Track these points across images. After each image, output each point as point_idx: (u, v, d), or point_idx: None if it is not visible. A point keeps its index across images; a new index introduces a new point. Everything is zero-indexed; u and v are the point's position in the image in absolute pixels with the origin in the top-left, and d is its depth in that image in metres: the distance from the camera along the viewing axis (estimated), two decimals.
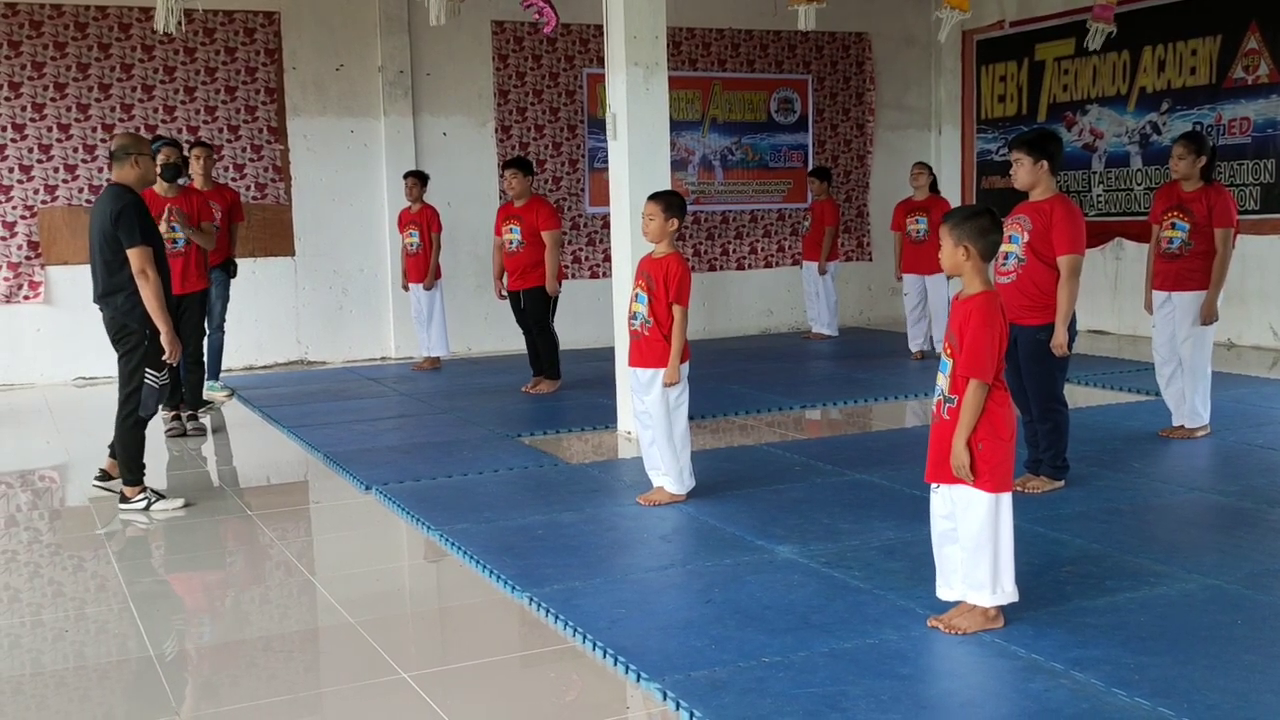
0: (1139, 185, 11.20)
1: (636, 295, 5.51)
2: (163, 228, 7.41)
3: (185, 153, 8.38)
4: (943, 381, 3.84)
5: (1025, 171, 5.55)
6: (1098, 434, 6.79)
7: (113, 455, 6.12)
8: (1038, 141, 5.57)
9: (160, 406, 6.13)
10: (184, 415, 7.82)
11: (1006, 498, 3.81)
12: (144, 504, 5.90)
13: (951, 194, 12.21)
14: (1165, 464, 6.22)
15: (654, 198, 5.53)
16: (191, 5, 7.02)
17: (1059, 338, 5.47)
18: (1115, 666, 3.54)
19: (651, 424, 5.51)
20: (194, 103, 10.41)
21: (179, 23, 7.01)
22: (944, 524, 3.89)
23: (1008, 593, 3.84)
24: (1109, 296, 11.41)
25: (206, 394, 8.53)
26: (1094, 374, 8.85)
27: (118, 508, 5.94)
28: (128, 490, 5.93)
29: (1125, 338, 11.06)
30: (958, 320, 3.83)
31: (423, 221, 9.94)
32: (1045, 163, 5.51)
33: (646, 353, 5.49)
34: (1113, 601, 4.10)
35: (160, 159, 7.56)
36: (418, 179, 10.00)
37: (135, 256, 5.64)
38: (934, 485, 3.91)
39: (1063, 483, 5.65)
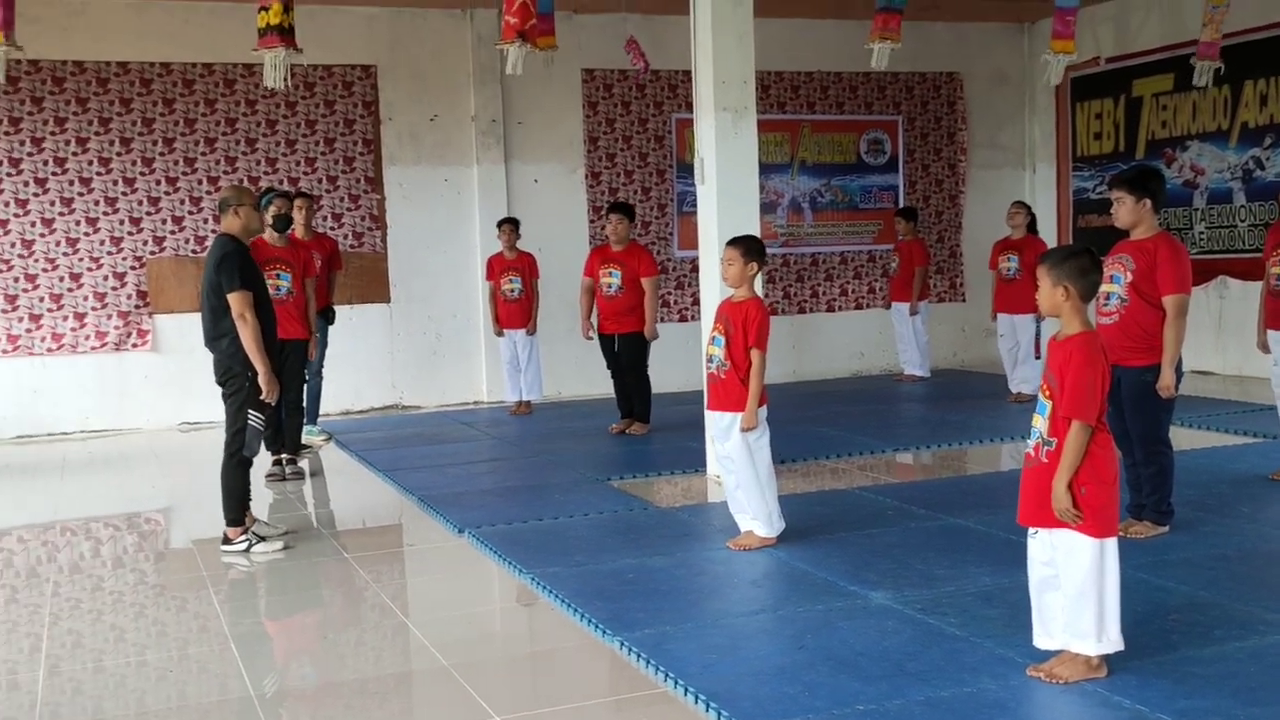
0: (1243, 222, 10.92)
1: (714, 339, 5.51)
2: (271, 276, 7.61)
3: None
4: (1041, 424, 3.77)
5: (1127, 210, 5.43)
6: (1203, 477, 6.60)
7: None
8: (1139, 179, 5.46)
9: (263, 448, 6.27)
10: (284, 460, 7.98)
11: (1112, 543, 3.72)
12: (245, 546, 6.02)
13: (1047, 233, 12.01)
14: (1275, 508, 6.01)
15: (733, 243, 5.54)
16: (297, 61, 7.22)
17: (1166, 379, 5.33)
18: (1224, 718, 3.42)
19: (735, 468, 5.49)
20: (294, 154, 10.70)
21: (285, 78, 7.22)
22: (1044, 570, 3.80)
23: (1113, 640, 3.73)
24: (1213, 336, 11.10)
25: (305, 439, 8.69)
26: (1199, 416, 8.61)
27: (220, 549, 6.07)
28: (230, 531, 6.06)
29: (1231, 378, 10.75)
30: (1057, 361, 3.76)
31: (523, 268, 10.03)
32: (1148, 201, 5.39)
33: (724, 397, 5.47)
34: (1221, 651, 3.97)
35: (272, 211, 7.81)
36: (513, 226, 10.13)
37: (234, 301, 5.86)
38: (1032, 530, 3.82)
39: (1167, 528, 5.50)
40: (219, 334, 5.95)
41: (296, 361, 8.03)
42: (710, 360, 5.53)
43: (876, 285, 12.60)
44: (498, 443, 8.96)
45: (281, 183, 10.56)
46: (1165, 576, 4.83)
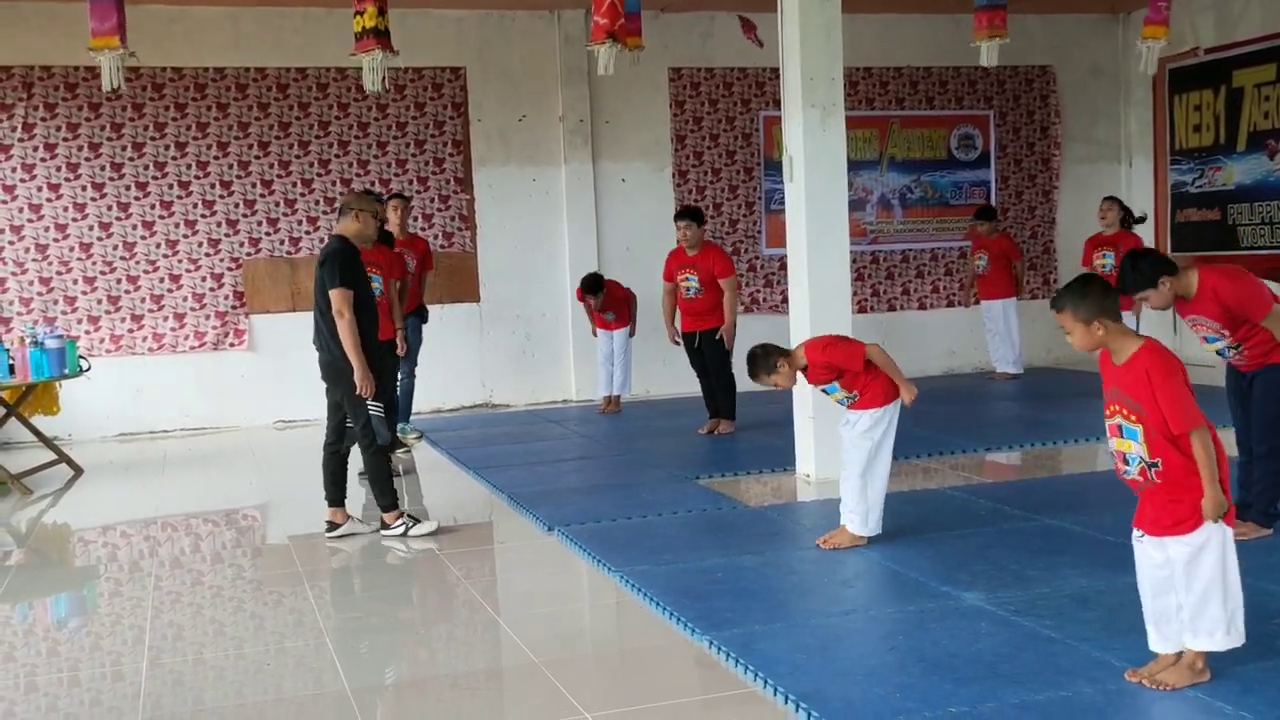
0: None
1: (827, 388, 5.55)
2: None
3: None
4: (1138, 449, 3.66)
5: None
6: None
7: (332, 503, 6.40)
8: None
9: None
10: None
11: (1231, 532, 3.67)
12: (403, 529, 6.26)
13: (1145, 229, 11.74)
14: None
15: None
16: (394, 64, 7.33)
17: None
18: None
19: (848, 458, 5.51)
20: (385, 156, 10.87)
21: (382, 79, 7.32)
22: (1159, 572, 3.70)
23: (1241, 633, 3.66)
24: None
25: (399, 437, 8.81)
26: None
27: (380, 534, 6.33)
28: (387, 517, 6.31)
29: None
30: (1131, 386, 3.66)
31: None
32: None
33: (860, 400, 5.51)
34: None
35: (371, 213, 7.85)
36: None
37: (335, 298, 6.02)
38: (1138, 532, 3.74)
39: (1270, 531, 5.34)
40: (329, 334, 6.12)
41: (388, 361, 8.12)
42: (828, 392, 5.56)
43: (965, 281, 12.41)
44: (586, 441, 9.01)
45: (373, 184, 10.74)
46: (1268, 579, 4.69)
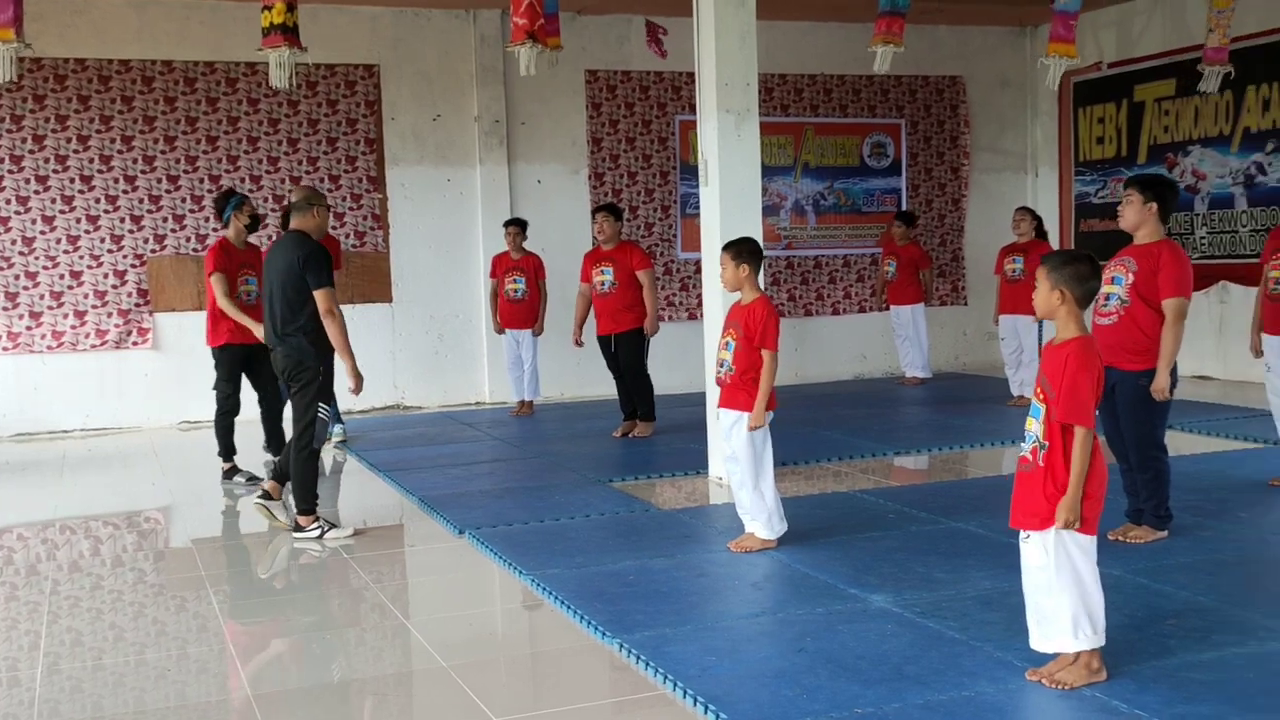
0: (1244, 227, 10.92)
1: (726, 343, 5.52)
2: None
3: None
4: (1036, 427, 3.77)
5: (1134, 210, 5.44)
6: (1202, 483, 6.59)
7: (274, 478, 6.46)
8: (1152, 182, 5.48)
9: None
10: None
11: (1086, 540, 3.73)
12: (318, 532, 6.21)
13: (1050, 237, 12.01)
14: (1275, 514, 6.02)
15: (725, 247, 5.58)
16: (302, 60, 7.22)
17: (1160, 382, 5.33)
18: None
19: (738, 468, 5.50)
20: (296, 153, 10.71)
21: (290, 76, 7.22)
22: (1038, 574, 3.79)
23: (1089, 637, 3.73)
24: (1214, 341, 11.11)
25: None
26: (1199, 421, 8.61)
27: (292, 536, 6.26)
28: (302, 520, 6.24)
29: (1231, 383, 10.75)
30: (1052, 365, 3.76)
31: (529, 269, 10.06)
32: (1155, 205, 5.40)
33: (734, 397, 5.49)
34: (1220, 657, 3.96)
35: (246, 213, 7.78)
36: (519, 227, 10.13)
37: (324, 297, 6.06)
38: (1024, 533, 3.82)
39: (1165, 533, 5.49)
40: (295, 329, 6.11)
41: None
42: (720, 365, 5.54)
43: (877, 286, 12.59)
44: (499, 443, 8.96)
45: (284, 181, 10.59)
46: (1163, 581, 4.83)
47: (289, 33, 6.96)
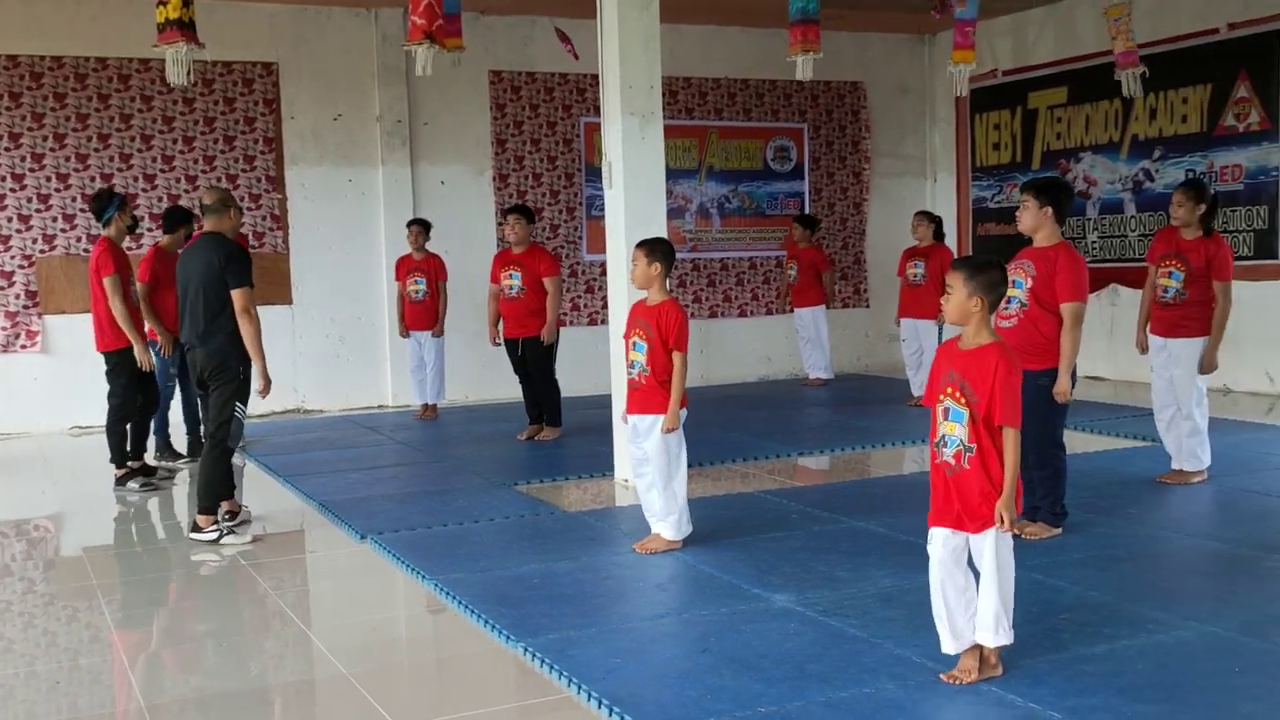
0: (1133, 232, 11.26)
1: (634, 344, 5.51)
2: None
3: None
4: (960, 431, 3.79)
5: (1030, 215, 5.59)
6: (1095, 480, 6.77)
7: (226, 498, 6.34)
8: (1046, 187, 5.63)
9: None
10: (133, 468, 7.71)
11: (1009, 536, 3.82)
12: (216, 535, 6.15)
13: (948, 240, 12.25)
14: (1162, 510, 6.21)
15: (639, 244, 5.59)
16: (199, 56, 7.06)
17: (1063, 385, 5.47)
18: (1114, 715, 3.51)
19: (649, 470, 5.51)
20: (192, 152, 10.48)
21: (187, 73, 7.05)
22: (955, 572, 3.85)
23: (1009, 632, 3.82)
24: (1105, 342, 11.42)
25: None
26: (1091, 420, 8.85)
27: (188, 536, 6.19)
28: (202, 519, 6.19)
29: (1122, 383, 11.07)
30: (973, 370, 3.80)
31: (430, 270, 9.99)
32: (1050, 209, 5.54)
33: (645, 400, 5.49)
34: (1111, 649, 4.07)
35: (128, 214, 7.67)
36: (422, 227, 10.07)
37: (242, 296, 6.12)
38: (947, 532, 3.85)
39: (1060, 530, 5.64)
40: (216, 329, 6.15)
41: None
42: (632, 366, 5.53)
43: (782, 289, 12.72)
44: (402, 447, 8.86)
45: (179, 180, 10.36)
46: (1058, 577, 4.95)
47: (185, 28, 6.80)
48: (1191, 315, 6.55)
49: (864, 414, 9.77)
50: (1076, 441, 8.11)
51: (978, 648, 3.83)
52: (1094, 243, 11.59)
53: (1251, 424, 8.66)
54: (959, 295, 3.86)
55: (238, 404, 6.20)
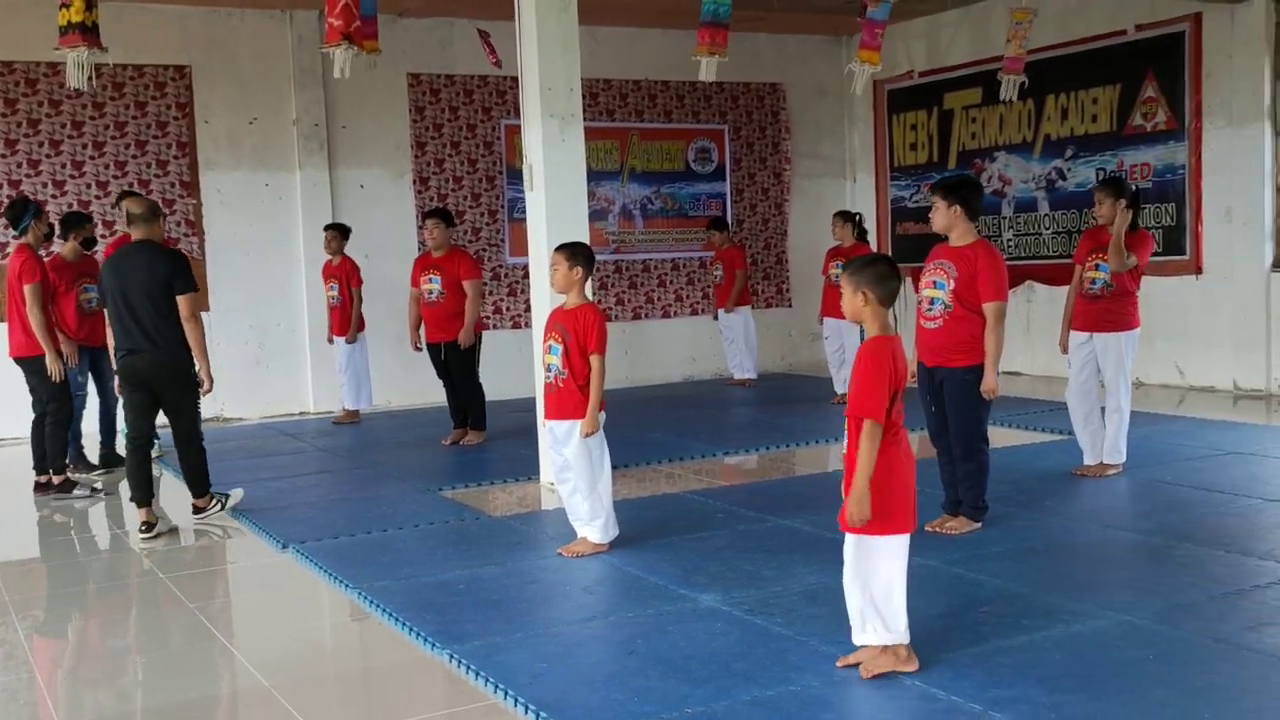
0: (1047, 230, 11.48)
1: (550, 347, 5.49)
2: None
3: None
4: (851, 425, 3.89)
5: (941, 215, 5.68)
6: (1013, 474, 6.89)
7: (142, 504, 6.41)
8: (954, 186, 5.70)
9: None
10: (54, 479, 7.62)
11: (882, 541, 3.83)
12: (219, 507, 6.76)
13: (868, 238, 12.39)
14: (1079, 502, 6.33)
15: (559, 248, 5.56)
16: (102, 60, 6.92)
17: (990, 383, 5.56)
18: (1032, 706, 3.57)
19: (572, 476, 5.49)
20: (103, 157, 10.25)
21: (89, 78, 6.92)
22: (849, 568, 3.92)
23: (899, 633, 3.85)
24: (1022, 338, 11.63)
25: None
26: (1008, 415, 9.00)
27: (193, 519, 6.68)
28: (200, 502, 6.71)
29: (1039, 378, 11.28)
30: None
31: (342, 275, 9.90)
32: (959, 207, 5.62)
33: (562, 405, 5.46)
34: (1030, 640, 4.15)
35: (44, 222, 7.75)
36: (337, 232, 9.97)
37: (189, 302, 6.33)
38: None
39: (980, 524, 5.72)
40: (167, 336, 6.32)
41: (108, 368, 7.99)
42: (548, 369, 5.50)
43: (709, 291, 12.77)
44: (325, 454, 8.75)
45: (89, 186, 10.13)
46: (978, 570, 5.03)
47: (88, 32, 6.66)
48: (1115, 309, 6.70)
49: (788, 412, 9.85)
50: (995, 436, 8.20)
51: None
52: (1010, 241, 11.79)
53: (1163, 416, 8.87)
54: (847, 292, 3.95)
55: (197, 403, 6.59)
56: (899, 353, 3.88)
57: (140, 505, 6.39)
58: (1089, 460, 6.91)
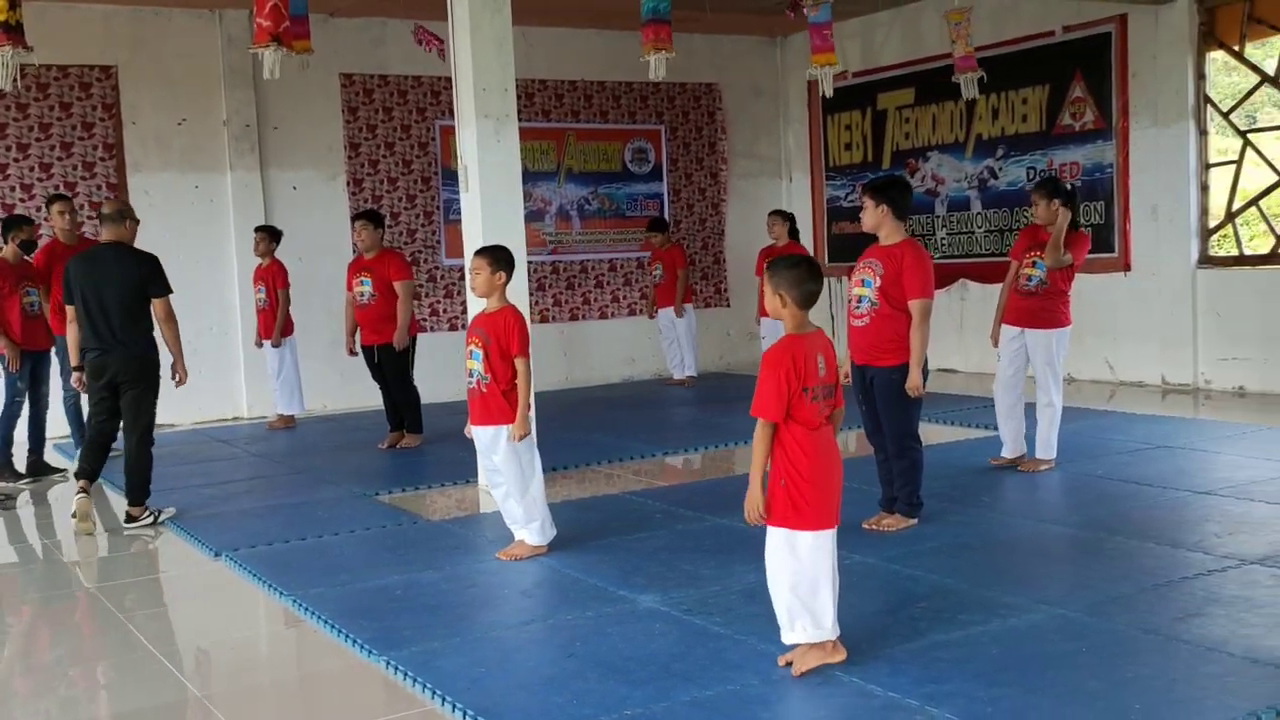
0: (979, 228, 11.62)
1: (471, 352, 5.43)
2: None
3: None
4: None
5: (870, 215, 5.73)
6: (948, 470, 6.96)
7: (89, 477, 6.61)
8: (883, 187, 5.74)
9: None
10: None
11: (822, 535, 3.85)
12: (152, 520, 6.63)
13: (804, 240, 12.47)
14: (1013, 498, 6.41)
15: (480, 252, 5.52)
16: (27, 60, 6.77)
17: (914, 380, 5.60)
18: (969, 700, 3.61)
19: (504, 479, 5.45)
20: (27, 159, 10.04)
21: (14, 79, 6.76)
22: (775, 567, 3.94)
23: (827, 629, 3.87)
24: (956, 336, 11.77)
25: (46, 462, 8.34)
26: (942, 411, 9.10)
27: (124, 527, 6.60)
28: (134, 510, 6.62)
29: (972, 375, 11.41)
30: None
31: (269, 277, 9.76)
32: (886, 207, 5.66)
33: (488, 410, 5.41)
34: (965, 635, 4.18)
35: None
36: (266, 234, 9.83)
37: (166, 303, 6.55)
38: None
39: (916, 520, 5.77)
40: (137, 334, 6.50)
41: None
42: (470, 374, 5.45)
43: (647, 292, 12.77)
44: (259, 460, 8.63)
45: (14, 189, 9.91)
46: (915, 566, 5.07)
47: (11, 31, 6.49)
48: (1047, 306, 6.80)
49: (727, 411, 9.87)
50: (930, 433, 8.32)
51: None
52: (943, 239, 11.93)
53: (1094, 411, 9.02)
54: (768, 291, 4.01)
55: (155, 401, 6.67)
56: (810, 351, 3.87)
57: (81, 478, 6.59)
58: (1007, 452, 7.03)
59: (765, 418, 3.81)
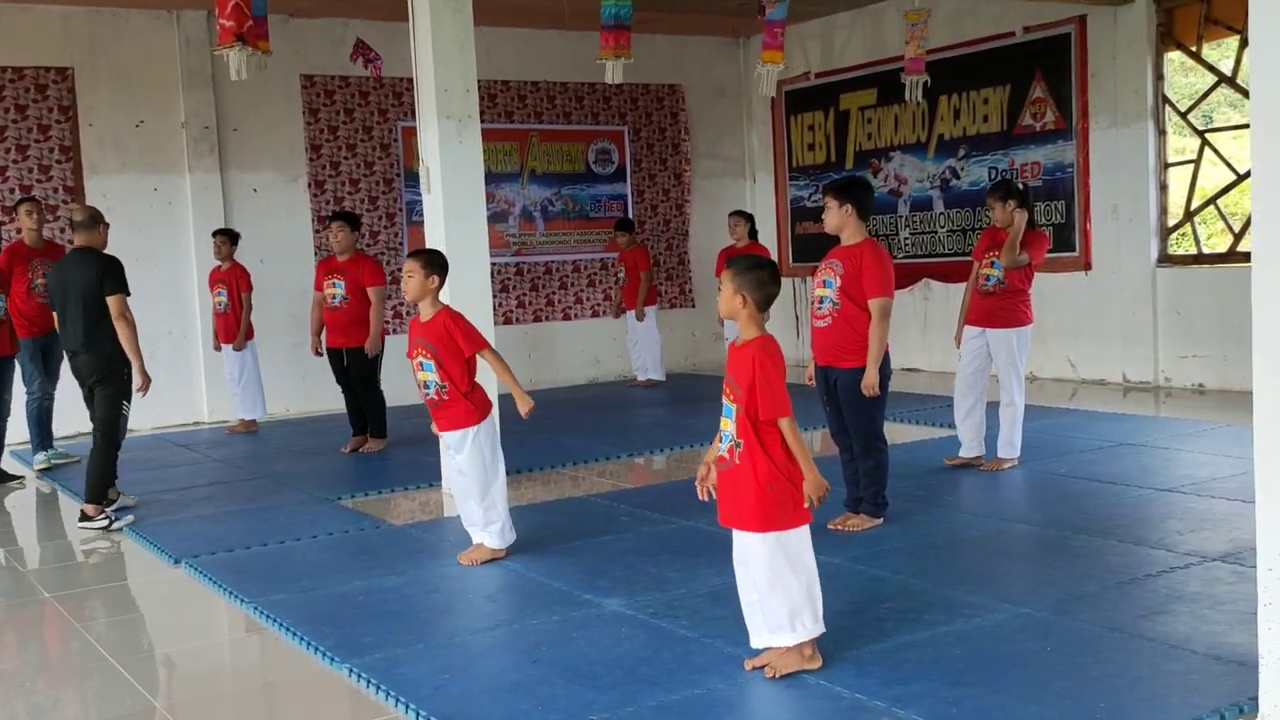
0: (942, 228, 11.67)
1: (421, 364, 5.35)
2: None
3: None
4: (731, 427, 3.86)
5: (832, 215, 5.72)
6: (913, 470, 6.98)
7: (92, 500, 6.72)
8: (845, 187, 5.74)
9: None
10: None
11: (795, 533, 3.84)
12: (106, 523, 6.60)
13: (768, 240, 12.50)
14: (977, 497, 6.44)
15: (414, 255, 5.48)
16: None
17: (869, 379, 5.60)
18: (935, 701, 3.60)
19: (466, 481, 5.41)
20: None
21: None
22: (740, 569, 3.92)
23: (808, 629, 3.85)
24: (919, 335, 11.82)
25: (36, 466, 8.48)
26: (906, 411, 9.13)
27: (79, 526, 6.63)
28: (90, 509, 6.64)
29: (936, 374, 11.46)
30: (738, 366, 3.87)
31: (231, 280, 9.66)
32: (850, 207, 5.67)
33: (454, 416, 5.37)
34: (931, 635, 4.18)
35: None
36: (226, 237, 9.73)
37: (119, 302, 6.61)
38: (735, 531, 3.92)
39: (881, 520, 5.78)
40: (100, 335, 6.63)
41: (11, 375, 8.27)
42: (426, 386, 5.38)
43: (611, 293, 12.75)
44: (220, 465, 8.53)
45: None
46: (880, 566, 5.07)
47: None
48: (1007, 305, 6.84)
49: (693, 412, 9.85)
50: (894, 433, 8.35)
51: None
52: (906, 239, 11.97)
53: (1056, 410, 9.07)
54: (726, 291, 3.96)
55: (124, 403, 6.75)
56: (779, 350, 3.92)
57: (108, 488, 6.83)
58: (964, 452, 7.06)
59: (787, 415, 3.79)
